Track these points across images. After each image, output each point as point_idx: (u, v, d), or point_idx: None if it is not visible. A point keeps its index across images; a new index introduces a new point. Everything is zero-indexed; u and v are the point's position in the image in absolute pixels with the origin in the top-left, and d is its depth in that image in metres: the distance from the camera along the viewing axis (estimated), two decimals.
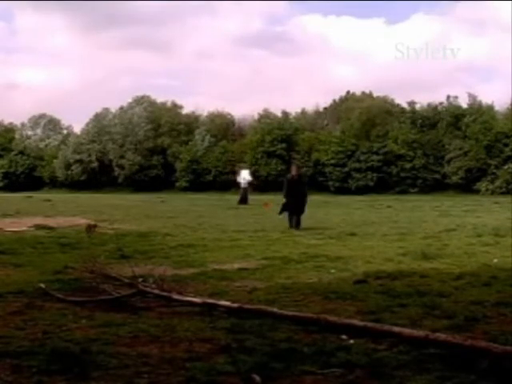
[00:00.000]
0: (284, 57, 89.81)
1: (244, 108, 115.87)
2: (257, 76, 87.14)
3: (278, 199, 16.32)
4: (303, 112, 67.90)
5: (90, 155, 67.94)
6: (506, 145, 52.64)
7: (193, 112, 71.21)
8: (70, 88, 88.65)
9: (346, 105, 62.84)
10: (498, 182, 51.90)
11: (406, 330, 4.17)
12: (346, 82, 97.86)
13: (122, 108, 71.31)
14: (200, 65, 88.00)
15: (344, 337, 4.23)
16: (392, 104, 61.19)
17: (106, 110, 72.35)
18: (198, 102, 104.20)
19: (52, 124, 77.48)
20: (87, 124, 72.02)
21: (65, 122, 77.86)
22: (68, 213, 20.83)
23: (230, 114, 70.00)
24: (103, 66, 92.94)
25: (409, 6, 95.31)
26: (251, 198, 27.85)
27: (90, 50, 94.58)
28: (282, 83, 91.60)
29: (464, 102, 59.05)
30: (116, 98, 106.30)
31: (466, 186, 52.48)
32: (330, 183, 57.29)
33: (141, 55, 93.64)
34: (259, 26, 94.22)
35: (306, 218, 14.39)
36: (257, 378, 3.36)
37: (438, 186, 54.57)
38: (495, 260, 8.37)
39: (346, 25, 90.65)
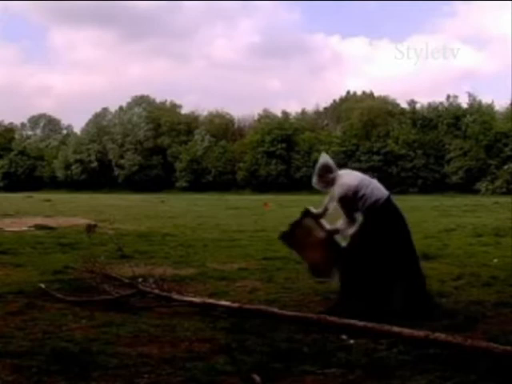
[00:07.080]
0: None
1: (244, 108, 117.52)
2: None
3: (278, 199, 16.31)
4: (303, 112, 67.88)
5: (89, 155, 67.92)
6: (506, 145, 52.67)
7: (192, 112, 71.10)
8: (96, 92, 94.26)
9: (346, 105, 62.85)
10: (498, 182, 51.90)
11: (406, 330, 4.17)
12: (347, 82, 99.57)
13: (121, 108, 71.23)
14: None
15: (344, 337, 4.23)
16: (392, 104, 61.16)
17: (106, 109, 72.26)
18: (198, 101, 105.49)
19: (52, 124, 77.37)
20: (87, 124, 71.92)
21: (64, 122, 77.91)
22: (68, 213, 20.85)
23: (229, 114, 69.92)
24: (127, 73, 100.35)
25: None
26: (251, 197, 27.71)
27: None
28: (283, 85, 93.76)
29: (464, 102, 59.04)
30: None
31: (466, 185, 52.47)
32: None
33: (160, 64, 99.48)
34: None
35: None
36: (257, 378, 3.36)
37: (438, 185, 54.53)
38: (495, 260, 8.36)
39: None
